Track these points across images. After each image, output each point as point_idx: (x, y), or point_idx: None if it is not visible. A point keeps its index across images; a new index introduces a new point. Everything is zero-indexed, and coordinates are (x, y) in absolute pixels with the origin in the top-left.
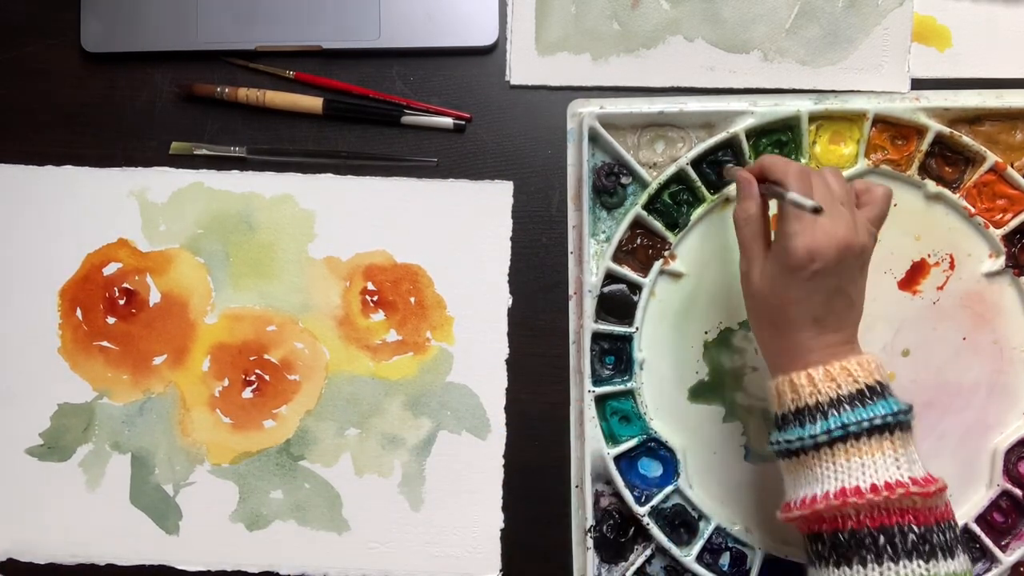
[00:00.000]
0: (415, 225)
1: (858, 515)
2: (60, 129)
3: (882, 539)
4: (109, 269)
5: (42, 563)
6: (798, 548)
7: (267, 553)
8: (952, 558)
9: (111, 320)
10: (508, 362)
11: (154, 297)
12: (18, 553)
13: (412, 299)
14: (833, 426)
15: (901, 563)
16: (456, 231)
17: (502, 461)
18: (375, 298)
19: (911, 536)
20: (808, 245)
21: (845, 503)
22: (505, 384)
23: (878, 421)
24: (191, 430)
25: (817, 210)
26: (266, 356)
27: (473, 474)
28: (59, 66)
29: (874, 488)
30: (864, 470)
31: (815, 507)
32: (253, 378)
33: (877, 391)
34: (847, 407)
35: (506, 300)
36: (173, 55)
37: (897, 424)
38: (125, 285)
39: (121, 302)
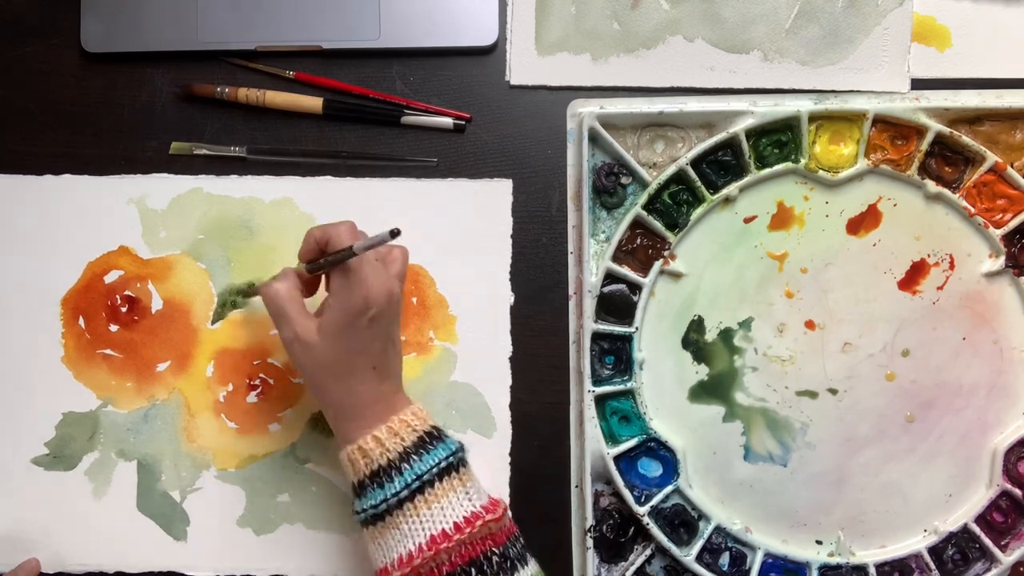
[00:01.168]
0: (415, 225)
1: (450, 557)
2: (60, 129)
3: (473, 571)
4: (110, 277)
5: (51, 572)
6: (798, 548)
7: (276, 557)
8: (527, 564)
9: (114, 328)
10: (512, 359)
11: (156, 304)
12: None
13: (414, 299)
14: (409, 479)
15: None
16: (456, 230)
17: (508, 459)
18: None
19: (495, 559)
20: (365, 294)
21: (437, 551)
22: (509, 382)
23: (443, 464)
24: (196, 436)
25: (395, 233)
26: (270, 360)
27: (480, 472)
28: (59, 66)
29: (457, 527)
30: (444, 513)
31: (413, 563)
32: (257, 382)
33: (434, 435)
34: (415, 458)
35: (508, 297)
36: (173, 55)
37: (459, 461)
38: (127, 292)
39: (123, 309)
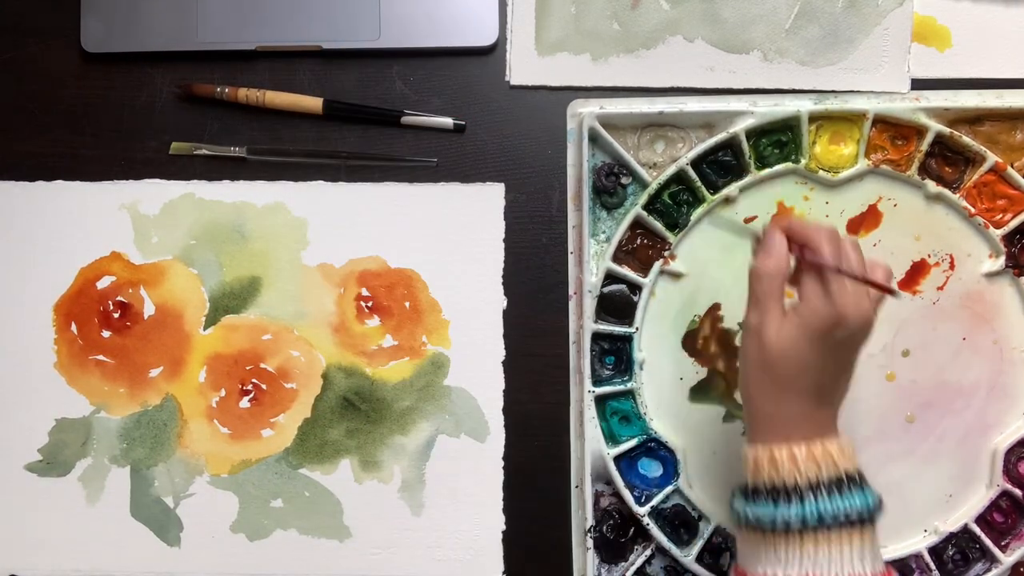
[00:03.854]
0: (408, 229)
1: None
2: (60, 129)
3: None
4: (103, 283)
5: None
6: None
7: (269, 563)
8: None
9: (106, 334)
10: (507, 363)
11: (148, 309)
12: (20, 569)
13: (407, 304)
14: (808, 514)
15: None
16: (449, 234)
17: (502, 463)
18: (370, 304)
19: None
20: (840, 311)
21: None
22: (503, 386)
23: (854, 516)
24: (189, 441)
25: (894, 293)
26: (262, 365)
27: (473, 477)
28: (59, 66)
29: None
30: (831, 562)
31: None
32: (250, 387)
33: (855, 480)
34: (824, 494)
35: (501, 302)
36: (173, 55)
37: (870, 518)
38: (119, 298)
39: (116, 315)
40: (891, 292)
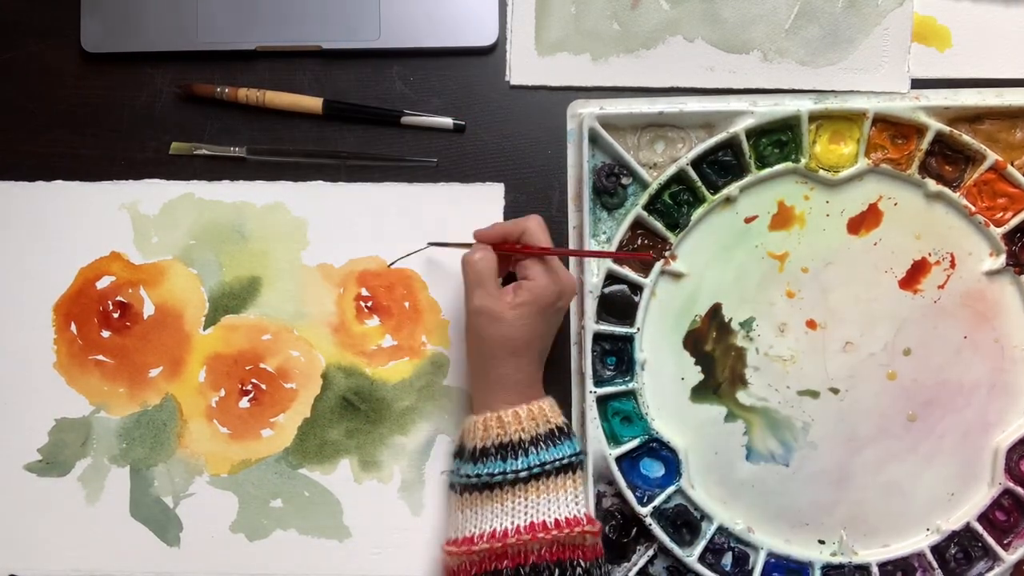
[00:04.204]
0: (407, 229)
1: (540, 550)
2: (60, 129)
3: (557, 572)
4: (102, 283)
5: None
6: (800, 547)
7: (269, 562)
8: None
9: (106, 334)
10: None
11: (148, 309)
12: (20, 569)
13: (406, 303)
14: (533, 463)
15: None
16: (448, 234)
17: None
18: (369, 303)
19: (579, 570)
20: (561, 288)
21: (535, 537)
22: None
23: (566, 460)
24: (189, 441)
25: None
26: (262, 365)
27: None
28: (59, 66)
29: (558, 524)
30: (551, 506)
31: (506, 541)
32: (250, 387)
33: (564, 431)
34: (543, 446)
35: None
36: (173, 55)
37: (579, 463)
38: (119, 298)
39: (115, 315)
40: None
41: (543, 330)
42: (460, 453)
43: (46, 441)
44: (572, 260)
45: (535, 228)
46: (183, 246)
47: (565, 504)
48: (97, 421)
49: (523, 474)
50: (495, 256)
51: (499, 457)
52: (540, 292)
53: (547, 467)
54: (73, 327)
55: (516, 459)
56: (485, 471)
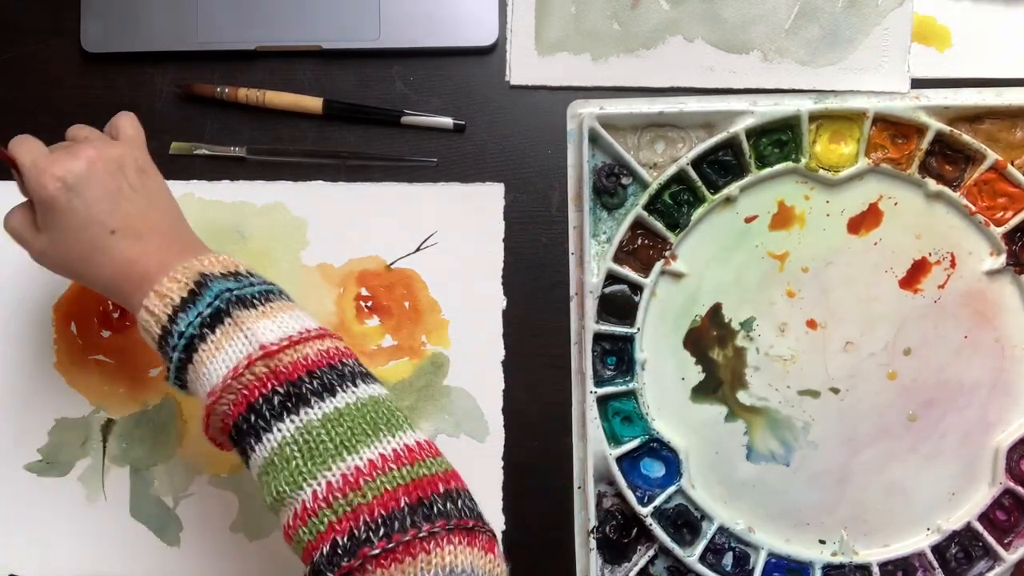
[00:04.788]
0: (408, 229)
1: (307, 360)
2: (60, 129)
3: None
4: None
5: None
6: (801, 547)
7: (269, 563)
8: (374, 381)
9: (106, 334)
10: (508, 363)
11: None
12: (19, 569)
13: (406, 303)
14: (177, 338)
15: (353, 387)
16: (448, 234)
17: (501, 463)
18: (369, 303)
19: (347, 369)
20: (33, 186)
21: (292, 343)
22: (502, 386)
23: (210, 310)
24: (189, 441)
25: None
26: None
27: (473, 476)
28: (59, 66)
29: (311, 333)
30: (293, 323)
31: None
32: None
33: (212, 277)
34: (232, 279)
35: (500, 302)
36: (173, 55)
37: (237, 299)
38: None
39: (115, 315)
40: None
41: (76, 223)
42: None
43: (46, 441)
44: (573, 259)
45: (15, 144)
46: None
47: (300, 320)
48: (97, 421)
49: (176, 358)
50: (25, 207)
51: (165, 357)
52: (29, 206)
53: (190, 331)
54: (73, 327)
55: (168, 345)
56: (172, 382)
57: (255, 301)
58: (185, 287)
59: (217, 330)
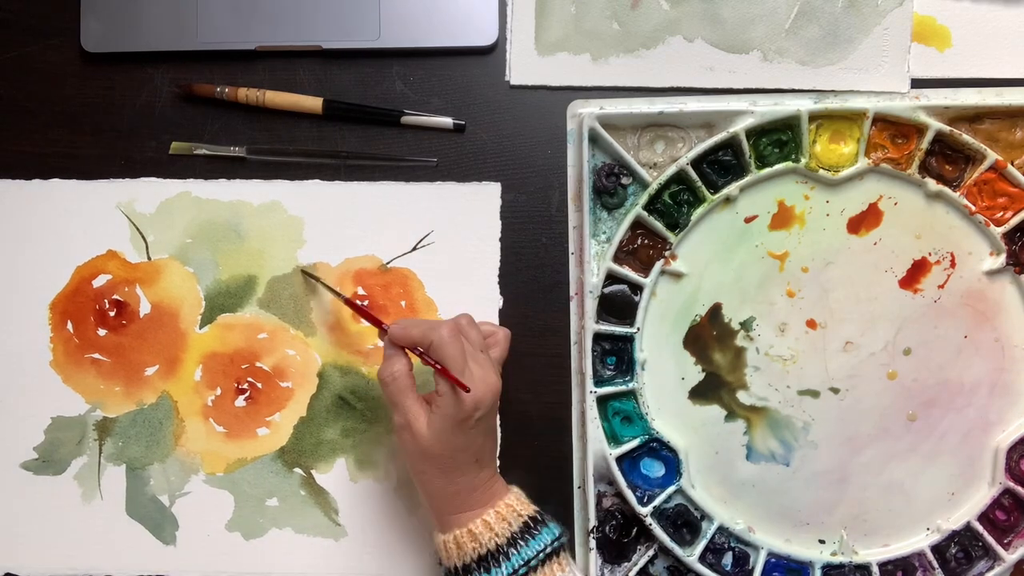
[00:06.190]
0: (404, 229)
1: None
2: (60, 129)
3: None
4: (99, 281)
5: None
6: (801, 547)
7: (264, 561)
8: None
9: (102, 332)
10: (507, 363)
11: (144, 308)
12: (15, 567)
13: (403, 303)
14: (517, 564)
15: None
16: (445, 233)
17: (497, 462)
18: (366, 302)
19: None
20: (475, 398)
21: None
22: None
23: (549, 549)
24: (185, 440)
25: (466, 389)
26: (258, 364)
27: None
28: (59, 66)
29: None
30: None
31: None
32: (246, 386)
33: (538, 519)
34: (521, 543)
35: (497, 301)
36: (173, 55)
37: (561, 545)
38: (115, 297)
39: (111, 314)
40: (464, 388)
41: (465, 443)
42: (448, 574)
43: (42, 439)
44: (573, 259)
45: (445, 339)
46: (179, 245)
47: None
48: (93, 419)
49: None
50: (408, 363)
51: (482, 569)
52: (448, 410)
53: (532, 563)
54: (69, 325)
55: (500, 566)
56: None
57: (564, 545)
58: (521, 518)
59: (548, 567)
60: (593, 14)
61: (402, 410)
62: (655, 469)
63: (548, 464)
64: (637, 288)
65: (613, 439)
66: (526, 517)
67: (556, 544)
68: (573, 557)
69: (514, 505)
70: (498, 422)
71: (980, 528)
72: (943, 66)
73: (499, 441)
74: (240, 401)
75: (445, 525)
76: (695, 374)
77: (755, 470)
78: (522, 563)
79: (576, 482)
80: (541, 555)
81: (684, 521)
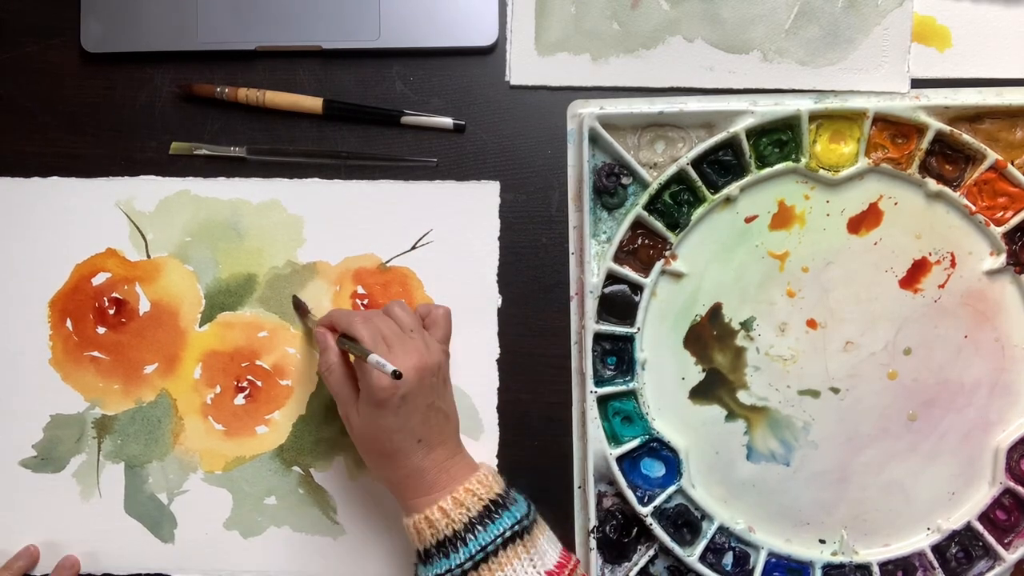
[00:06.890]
0: (404, 227)
1: None
2: (60, 129)
3: None
4: (98, 279)
5: (38, 575)
6: (801, 547)
7: (262, 560)
8: None
9: (101, 330)
10: (507, 363)
11: (144, 306)
12: None
13: (402, 302)
14: (474, 550)
15: None
16: (444, 232)
17: (496, 461)
18: (365, 301)
19: None
20: (389, 379)
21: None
22: (497, 384)
23: (508, 533)
24: (184, 438)
25: (397, 375)
26: (258, 362)
27: None
28: (59, 66)
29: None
30: (555, 549)
31: None
32: (245, 384)
33: (499, 503)
34: (480, 528)
35: (496, 300)
36: (173, 55)
37: (523, 529)
38: (114, 295)
39: (111, 312)
40: (394, 375)
41: (396, 424)
42: (417, 557)
43: (41, 437)
44: (573, 259)
45: (356, 323)
46: (179, 243)
47: (523, 572)
48: (92, 417)
49: (468, 564)
50: (344, 357)
51: (441, 555)
52: (368, 393)
53: (489, 548)
54: (69, 323)
55: (458, 552)
56: (434, 572)
57: (532, 522)
58: (482, 501)
59: (511, 549)
60: (593, 14)
61: (340, 400)
62: (655, 469)
63: (548, 464)
64: (637, 288)
65: (613, 439)
66: (487, 500)
67: (518, 527)
68: (574, 550)
69: (474, 489)
70: (452, 400)
71: (980, 528)
72: (943, 66)
73: (459, 421)
74: (239, 399)
75: (407, 509)
76: (695, 374)
77: (755, 470)
78: (478, 548)
79: (576, 482)
80: (499, 540)
81: (684, 521)
